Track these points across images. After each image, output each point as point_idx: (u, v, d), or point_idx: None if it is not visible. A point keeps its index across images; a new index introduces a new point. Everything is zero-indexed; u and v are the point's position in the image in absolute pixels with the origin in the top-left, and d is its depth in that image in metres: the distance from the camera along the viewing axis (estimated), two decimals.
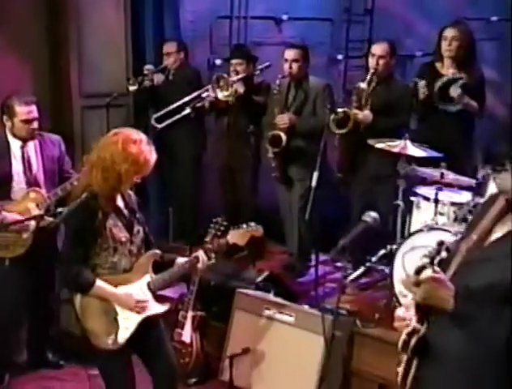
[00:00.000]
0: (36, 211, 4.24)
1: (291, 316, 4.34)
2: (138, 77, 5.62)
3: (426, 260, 2.34)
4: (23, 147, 4.38)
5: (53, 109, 5.59)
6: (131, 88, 5.54)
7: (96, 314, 3.36)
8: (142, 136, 3.36)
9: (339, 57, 6.54)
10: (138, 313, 3.40)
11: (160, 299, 3.54)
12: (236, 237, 3.69)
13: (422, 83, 4.84)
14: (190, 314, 4.48)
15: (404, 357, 2.45)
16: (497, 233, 2.39)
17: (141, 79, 5.57)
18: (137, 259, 3.46)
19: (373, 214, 2.69)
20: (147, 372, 3.58)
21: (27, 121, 4.29)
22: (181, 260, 3.57)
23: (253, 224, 3.73)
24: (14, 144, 4.36)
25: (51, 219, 4.21)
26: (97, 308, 3.35)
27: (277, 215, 5.64)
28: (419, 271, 2.29)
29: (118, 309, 3.37)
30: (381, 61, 4.89)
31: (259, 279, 4.78)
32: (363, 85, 4.88)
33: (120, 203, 3.45)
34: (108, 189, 3.31)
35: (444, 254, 2.49)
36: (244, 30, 6.56)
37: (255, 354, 4.38)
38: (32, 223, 4.17)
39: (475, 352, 2.32)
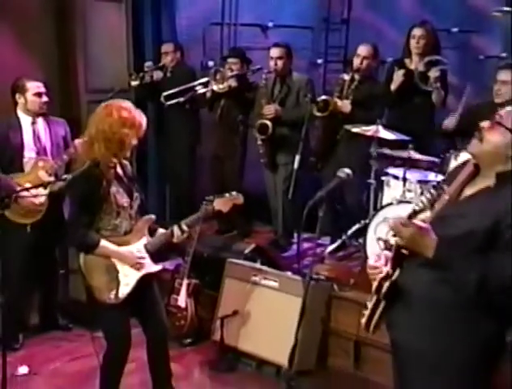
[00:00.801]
0: (46, 178, 4.31)
1: (275, 281, 4.38)
2: (139, 73, 5.62)
3: (418, 207, 2.39)
4: (33, 123, 4.45)
5: (62, 103, 5.60)
6: (133, 83, 5.54)
7: (99, 272, 3.40)
8: (129, 103, 3.42)
9: (319, 61, 6.54)
10: (138, 270, 3.45)
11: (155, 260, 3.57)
12: (220, 204, 3.77)
13: (400, 72, 4.90)
14: (185, 281, 4.56)
15: (372, 301, 2.51)
16: (467, 193, 2.42)
17: (142, 75, 5.57)
18: (135, 223, 3.50)
19: (347, 170, 2.72)
20: (142, 330, 3.64)
21: (39, 95, 4.39)
22: (162, 230, 3.61)
23: (234, 193, 3.80)
24: (25, 120, 4.44)
25: (61, 182, 4.21)
26: (100, 266, 3.40)
27: (263, 198, 5.66)
28: (411, 215, 2.34)
29: (119, 267, 3.42)
30: (364, 62, 4.98)
31: (247, 250, 4.84)
32: (346, 77, 5.00)
33: (119, 171, 3.48)
34: (110, 157, 3.34)
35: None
36: (234, 35, 6.57)
37: (243, 316, 4.41)
38: (45, 190, 4.26)
39: (445, 297, 2.34)
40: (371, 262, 2.55)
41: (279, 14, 6.53)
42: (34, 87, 4.39)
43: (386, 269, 2.46)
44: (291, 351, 2.77)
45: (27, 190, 4.07)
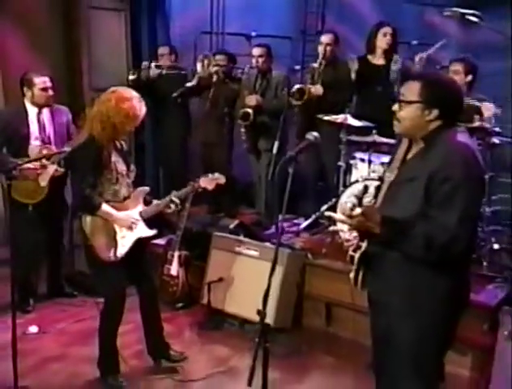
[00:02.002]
0: (49, 165, 4.28)
1: (256, 251, 4.39)
2: (135, 69, 5.63)
3: (355, 200, 2.45)
4: (39, 114, 4.41)
5: (68, 100, 5.48)
6: (131, 77, 5.47)
7: (100, 233, 3.42)
8: (134, 94, 3.36)
9: (297, 67, 6.51)
10: (132, 230, 3.47)
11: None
12: (205, 182, 3.81)
13: (355, 64, 4.99)
14: (177, 253, 4.57)
15: (353, 267, 2.55)
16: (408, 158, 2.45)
17: (138, 71, 5.55)
18: (133, 191, 3.53)
19: (315, 133, 2.68)
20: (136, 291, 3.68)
21: (45, 89, 4.35)
22: (156, 201, 3.64)
23: (217, 174, 3.86)
24: (32, 111, 4.40)
25: (62, 169, 4.32)
26: (102, 228, 3.42)
27: (249, 185, 5.71)
28: (352, 207, 2.35)
29: (117, 229, 3.45)
30: (328, 48, 5.01)
31: (231, 225, 4.85)
32: (315, 65, 5.03)
33: (118, 144, 3.49)
34: (106, 137, 3.33)
35: (369, 194, 2.60)
36: (221, 43, 6.60)
37: (228, 281, 4.44)
38: (48, 173, 4.28)
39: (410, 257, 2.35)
40: (346, 235, 2.57)
41: (262, 26, 6.53)
42: (41, 82, 4.35)
43: (356, 242, 2.50)
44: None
45: (30, 162, 4.08)
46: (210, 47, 6.54)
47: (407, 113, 2.37)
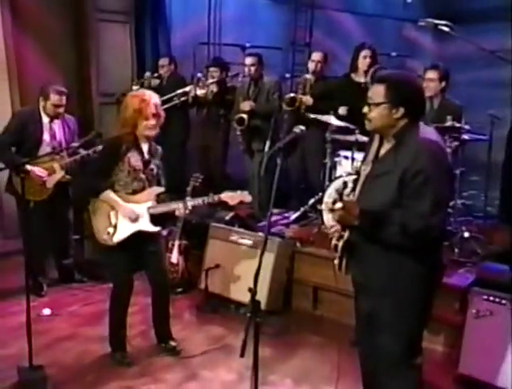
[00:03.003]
0: (58, 171, 4.33)
1: (249, 240, 4.39)
2: (139, 80, 5.65)
3: (337, 195, 2.39)
4: (50, 122, 4.40)
5: (79, 104, 5.64)
6: (134, 88, 5.37)
7: (102, 216, 3.45)
8: (145, 93, 3.42)
9: (287, 75, 6.55)
10: (133, 223, 3.42)
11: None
12: (228, 197, 3.52)
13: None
14: (177, 242, 4.56)
15: (337, 255, 2.57)
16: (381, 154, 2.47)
17: (141, 82, 5.57)
18: (148, 187, 3.47)
19: (301, 127, 2.67)
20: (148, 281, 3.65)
21: (56, 106, 4.34)
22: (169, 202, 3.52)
23: (243, 192, 3.53)
24: (45, 119, 4.39)
25: (68, 176, 4.37)
26: (105, 211, 3.44)
27: (243, 181, 5.58)
28: (333, 202, 2.35)
29: (120, 217, 3.43)
30: (318, 65, 5.10)
31: (227, 217, 4.83)
32: (308, 76, 5.08)
33: (144, 147, 3.45)
34: (124, 133, 3.36)
35: (348, 189, 2.57)
36: (218, 53, 6.60)
37: (224, 268, 4.42)
38: (55, 178, 4.32)
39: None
40: (329, 223, 2.58)
41: (255, 37, 6.53)
42: (55, 99, 4.31)
43: (339, 232, 2.53)
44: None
45: (39, 158, 4.16)
46: (207, 57, 6.55)
47: (376, 113, 2.38)
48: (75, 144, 4.34)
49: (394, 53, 5.85)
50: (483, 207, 5.05)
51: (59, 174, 4.35)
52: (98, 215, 3.46)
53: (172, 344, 3.72)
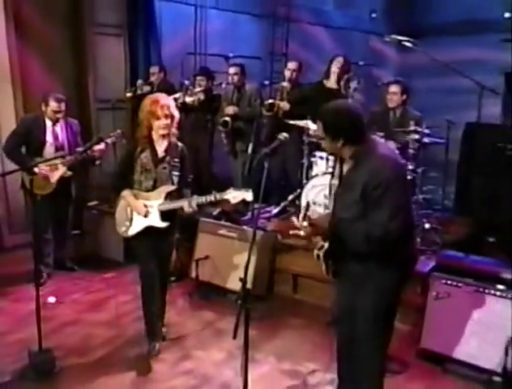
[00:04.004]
0: (60, 167, 4.35)
1: (236, 233, 4.40)
2: (132, 87, 5.63)
3: (300, 215, 2.46)
4: (53, 125, 4.42)
5: (78, 109, 5.58)
6: (128, 95, 5.52)
7: (121, 210, 3.48)
8: (158, 95, 3.36)
9: (266, 82, 6.55)
10: (145, 217, 3.40)
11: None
12: (232, 195, 3.30)
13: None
14: None
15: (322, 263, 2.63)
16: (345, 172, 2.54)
17: (134, 89, 5.55)
18: (160, 185, 3.39)
19: (285, 134, 2.64)
20: None
21: (55, 112, 4.36)
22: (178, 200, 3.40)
23: (249, 191, 3.28)
24: (48, 122, 4.41)
25: (70, 172, 4.40)
26: (124, 207, 3.46)
27: (228, 179, 5.60)
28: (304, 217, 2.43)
29: (135, 214, 3.43)
30: (294, 73, 5.12)
31: (215, 212, 4.87)
32: (285, 84, 5.10)
33: (161, 148, 3.37)
34: (141, 135, 3.33)
35: (310, 209, 2.58)
36: (204, 62, 6.60)
37: (212, 259, 4.43)
38: (60, 173, 4.35)
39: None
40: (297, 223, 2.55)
41: (237, 48, 6.52)
42: (54, 106, 4.34)
43: (321, 243, 2.58)
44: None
45: (47, 161, 4.18)
46: (194, 66, 6.55)
47: (325, 144, 2.49)
48: (80, 149, 4.33)
49: (361, 62, 5.86)
50: (441, 200, 5.13)
51: (61, 170, 4.37)
52: (119, 210, 3.50)
53: (163, 329, 3.70)
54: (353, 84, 4.88)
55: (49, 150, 4.39)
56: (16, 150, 4.37)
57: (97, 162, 4.52)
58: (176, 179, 3.39)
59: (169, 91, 5.45)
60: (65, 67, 5.49)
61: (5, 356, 3.39)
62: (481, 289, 3.33)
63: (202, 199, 3.32)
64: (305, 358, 3.50)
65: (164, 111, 3.26)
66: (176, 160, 3.39)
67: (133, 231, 3.46)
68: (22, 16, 5.02)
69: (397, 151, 2.93)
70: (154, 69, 5.78)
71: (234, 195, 3.27)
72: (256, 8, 7.22)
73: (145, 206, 3.40)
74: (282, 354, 3.56)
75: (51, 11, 5.27)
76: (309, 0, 7.71)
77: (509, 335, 3.15)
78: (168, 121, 3.30)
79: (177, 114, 3.36)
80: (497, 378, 3.19)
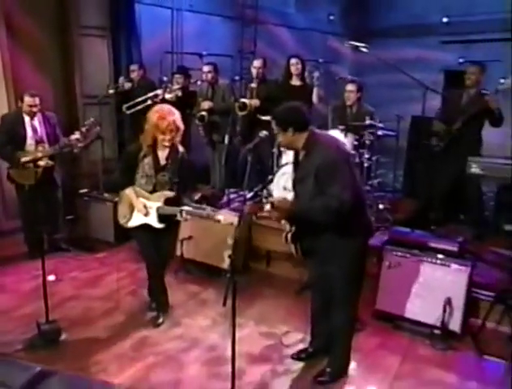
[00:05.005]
0: (43, 158, 4.34)
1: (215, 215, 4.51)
2: (114, 84, 5.60)
3: (267, 199, 2.74)
4: (31, 120, 4.43)
5: (65, 105, 5.58)
6: (110, 91, 5.49)
7: (124, 203, 3.52)
8: (164, 108, 3.31)
9: (236, 78, 6.58)
10: (145, 215, 3.43)
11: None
12: (221, 216, 3.41)
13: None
14: None
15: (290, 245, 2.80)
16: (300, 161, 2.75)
17: (116, 86, 5.52)
18: (160, 190, 3.40)
19: (265, 132, 2.81)
20: None
21: (31, 106, 4.37)
22: (173, 207, 3.40)
23: (235, 217, 3.16)
24: (26, 118, 4.42)
25: (52, 162, 4.42)
26: (126, 200, 3.49)
27: (205, 168, 5.71)
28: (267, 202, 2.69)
29: (136, 209, 3.46)
30: (259, 70, 5.10)
31: (196, 197, 4.63)
32: (253, 85, 5.15)
33: (163, 155, 3.37)
34: (145, 142, 3.32)
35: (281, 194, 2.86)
36: (180, 60, 6.62)
37: (195, 239, 4.47)
38: (42, 163, 4.35)
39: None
40: (267, 207, 2.80)
41: (210, 47, 6.57)
42: (28, 100, 4.35)
43: (288, 227, 2.75)
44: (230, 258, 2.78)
45: (34, 160, 4.25)
46: (172, 63, 6.54)
47: (280, 137, 2.71)
48: (60, 143, 4.39)
49: (321, 60, 5.97)
50: (392, 183, 5.39)
51: (44, 161, 4.37)
52: (122, 203, 3.52)
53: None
54: (316, 74, 5.00)
55: (29, 142, 4.39)
56: (5, 148, 4.37)
57: (75, 150, 4.47)
58: (175, 186, 3.40)
59: (149, 87, 5.54)
60: (53, 66, 5.43)
61: (15, 328, 3.47)
62: (425, 259, 3.55)
63: (191, 212, 3.33)
64: (279, 322, 3.67)
65: (169, 127, 3.24)
66: (175, 167, 3.38)
67: (132, 224, 3.51)
68: (12, 19, 4.93)
69: (340, 140, 3.12)
70: (134, 67, 5.73)
71: (224, 218, 3.35)
72: (227, 10, 7.25)
73: (145, 206, 3.42)
74: (259, 319, 3.71)
75: (39, 15, 5.19)
76: (273, 3, 7.78)
77: (446, 296, 3.44)
78: (173, 134, 3.29)
79: (182, 127, 3.32)
80: (437, 331, 3.48)
